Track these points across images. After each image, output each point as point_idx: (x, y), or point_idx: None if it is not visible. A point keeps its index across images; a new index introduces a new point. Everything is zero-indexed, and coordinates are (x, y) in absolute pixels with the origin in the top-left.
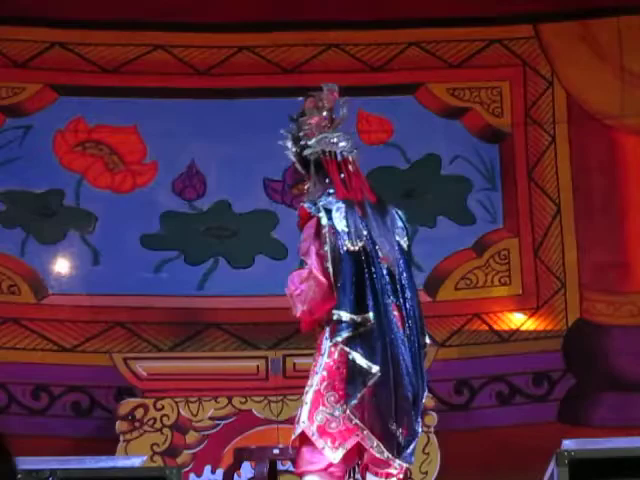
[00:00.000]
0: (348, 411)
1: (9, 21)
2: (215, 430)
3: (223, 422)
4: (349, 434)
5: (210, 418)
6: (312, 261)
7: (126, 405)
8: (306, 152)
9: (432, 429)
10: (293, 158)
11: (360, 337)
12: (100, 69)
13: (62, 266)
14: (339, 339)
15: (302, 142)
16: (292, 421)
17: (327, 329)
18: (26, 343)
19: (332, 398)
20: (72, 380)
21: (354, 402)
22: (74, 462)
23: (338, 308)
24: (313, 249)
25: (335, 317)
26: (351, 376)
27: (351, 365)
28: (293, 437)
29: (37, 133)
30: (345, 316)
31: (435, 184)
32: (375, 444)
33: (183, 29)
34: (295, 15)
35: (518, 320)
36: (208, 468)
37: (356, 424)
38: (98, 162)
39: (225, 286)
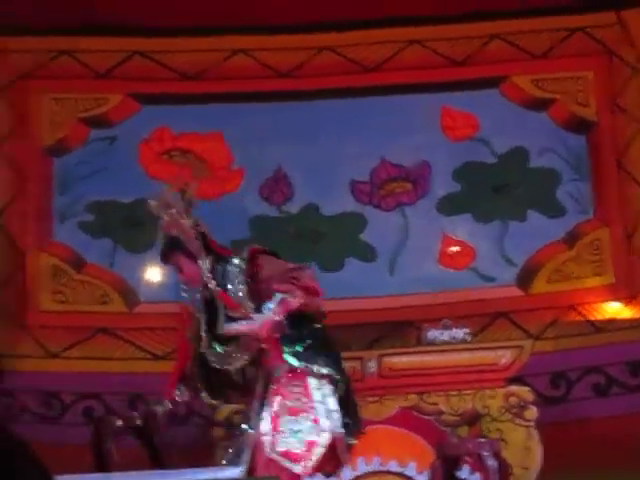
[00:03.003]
0: None
1: (90, 31)
2: None
3: None
4: None
5: None
6: None
7: (222, 411)
8: None
9: (532, 423)
10: None
11: None
12: (181, 76)
13: (152, 274)
14: None
15: None
16: (390, 421)
17: None
18: (119, 353)
19: None
20: None
21: None
22: (173, 476)
23: None
24: None
25: None
26: None
27: None
28: None
29: (122, 143)
30: None
31: (524, 177)
32: None
33: (262, 32)
34: (374, 13)
35: (613, 310)
36: None
37: None
38: (185, 170)
39: None
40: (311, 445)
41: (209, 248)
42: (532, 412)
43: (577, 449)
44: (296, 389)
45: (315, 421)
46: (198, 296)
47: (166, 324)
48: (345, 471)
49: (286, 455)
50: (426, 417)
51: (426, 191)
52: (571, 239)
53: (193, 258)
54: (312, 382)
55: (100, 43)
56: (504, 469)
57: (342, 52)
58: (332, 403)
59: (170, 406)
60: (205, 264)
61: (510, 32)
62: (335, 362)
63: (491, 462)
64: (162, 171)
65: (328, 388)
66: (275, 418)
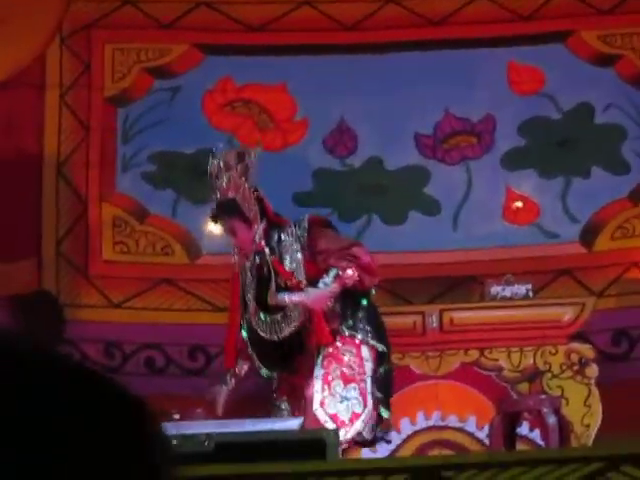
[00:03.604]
0: None
1: None
2: None
3: None
4: None
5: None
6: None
7: None
8: None
9: (593, 381)
10: None
11: None
12: (247, 27)
13: (214, 226)
14: None
15: None
16: (451, 376)
17: None
18: (181, 304)
19: None
20: None
21: None
22: (232, 425)
23: None
24: None
25: None
26: None
27: None
28: None
29: (186, 94)
30: None
31: (588, 134)
32: None
33: None
34: None
35: None
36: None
37: None
38: (248, 121)
39: (379, 242)
40: (355, 417)
41: (264, 214)
42: (593, 369)
43: (638, 408)
44: (351, 357)
45: (363, 394)
46: (248, 263)
47: (228, 276)
48: (405, 425)
49: (333, 418)
50: (487, 373)
51: (490, 145)
52: (636, 196)
53: (249, 223)
54: (365, 354)
55: None
56: (564, 426)
57: (408, 5)
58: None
59: (231, 381)
60: (259, 230)
61: None
62: (385, 337)
63: (551, 419)
64: (225, 122)
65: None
66: (328, 380)
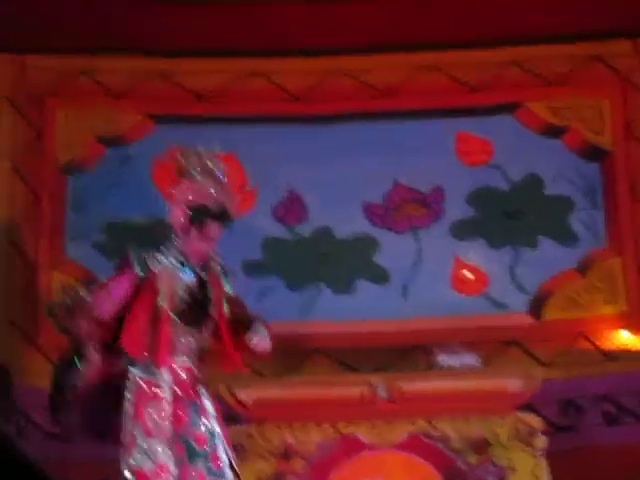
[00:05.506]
0: None
1: (106, 51)
2: (321, 456)
3: (329, 448)
4: None
5: (316, 444)
6: None
7: (231, 432)
8: None
9: (541, 452)
10: None
11: None
12: (196, 97)
13: None
14: None
15: None
16: (400, 446)
17: None
18: None
19: None
20: None
21: None
22: None
23: None
24: None
25: None
26: None
27: None
28: None
29: (136, 162)
30: None
31: (537, 204)
32: None
33: (279, 54)
34: (390, 37)
35: (625, 339)
36: None
37: None
38: None
39: (328, 312)
40: None
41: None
42: (541, 440)
43: (586, 478)
44: None
45: None
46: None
47: None
48: None
49: None
50: (435, 443)
51: (440, 215)
52: (583, 267)
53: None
54: None
55: (117, 63)
56: None
57: (357, 75)
58: None
59: None
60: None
61: (526, 58)
62: None
63: None
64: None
65: None
66: None
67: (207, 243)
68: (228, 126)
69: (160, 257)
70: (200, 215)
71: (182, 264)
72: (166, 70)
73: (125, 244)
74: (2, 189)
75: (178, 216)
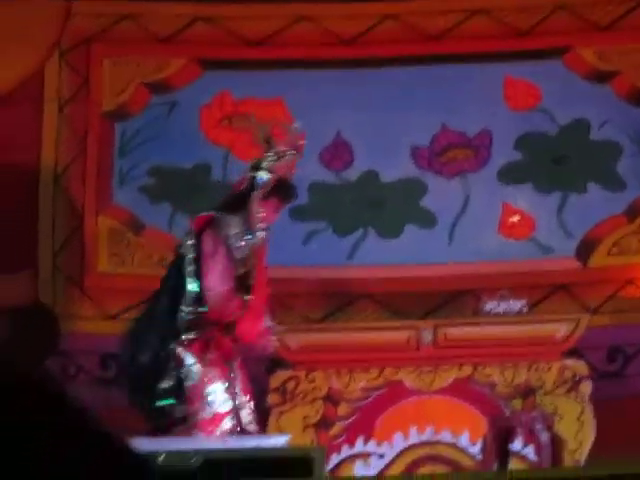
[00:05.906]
0: None
1: None
2: (367, 401)
3: (375, 393)
4: None
5: (362, 389)
6: None
7: (277, 377)
8: None
9: (586, 398)
10: None
11: None
12: (244, 42)
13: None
14: None
15: None
16: (444, 392)
17: None
18: None
19: None
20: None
21: None
22: (218, 442)
23: None
24: None
25: None
26: None
27: None
28: None
29: (183, 108)
30: None
31: (584, 149)
32: None
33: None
34: None
35: None
36: (361, 439)
37: None
38: (245, 135)
39: (374, 256)
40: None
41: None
42: (587, 386)
43: (631, 425)
44: None
45: None
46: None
47: None
48: (398, 440)
49: None
50: (480, 388)
51: (487, 159)
52: (631, 213)
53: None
54: None
55: (164, 8)
56: (557, 443)
57: (406, 20)
58: None
59: None
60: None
61: (575, 3)
62: None
63: (544, 436)
64: (222, 136)
65: None
66: None
67: (274, 217)
68: (276, 71)
69: (232, 220)
70: (284, 190)
71: (247, 231)
72: (213, 15)
73: (171, 188)
74: (49, 134)
75: (267, 184)
